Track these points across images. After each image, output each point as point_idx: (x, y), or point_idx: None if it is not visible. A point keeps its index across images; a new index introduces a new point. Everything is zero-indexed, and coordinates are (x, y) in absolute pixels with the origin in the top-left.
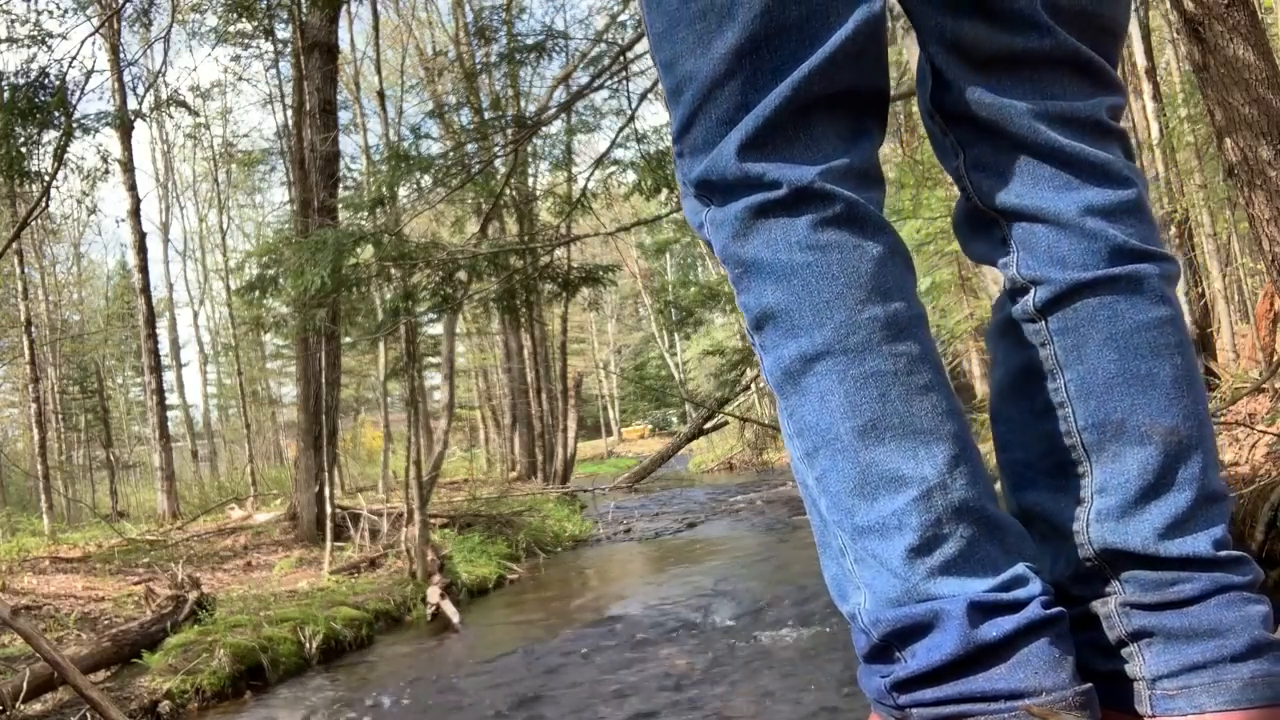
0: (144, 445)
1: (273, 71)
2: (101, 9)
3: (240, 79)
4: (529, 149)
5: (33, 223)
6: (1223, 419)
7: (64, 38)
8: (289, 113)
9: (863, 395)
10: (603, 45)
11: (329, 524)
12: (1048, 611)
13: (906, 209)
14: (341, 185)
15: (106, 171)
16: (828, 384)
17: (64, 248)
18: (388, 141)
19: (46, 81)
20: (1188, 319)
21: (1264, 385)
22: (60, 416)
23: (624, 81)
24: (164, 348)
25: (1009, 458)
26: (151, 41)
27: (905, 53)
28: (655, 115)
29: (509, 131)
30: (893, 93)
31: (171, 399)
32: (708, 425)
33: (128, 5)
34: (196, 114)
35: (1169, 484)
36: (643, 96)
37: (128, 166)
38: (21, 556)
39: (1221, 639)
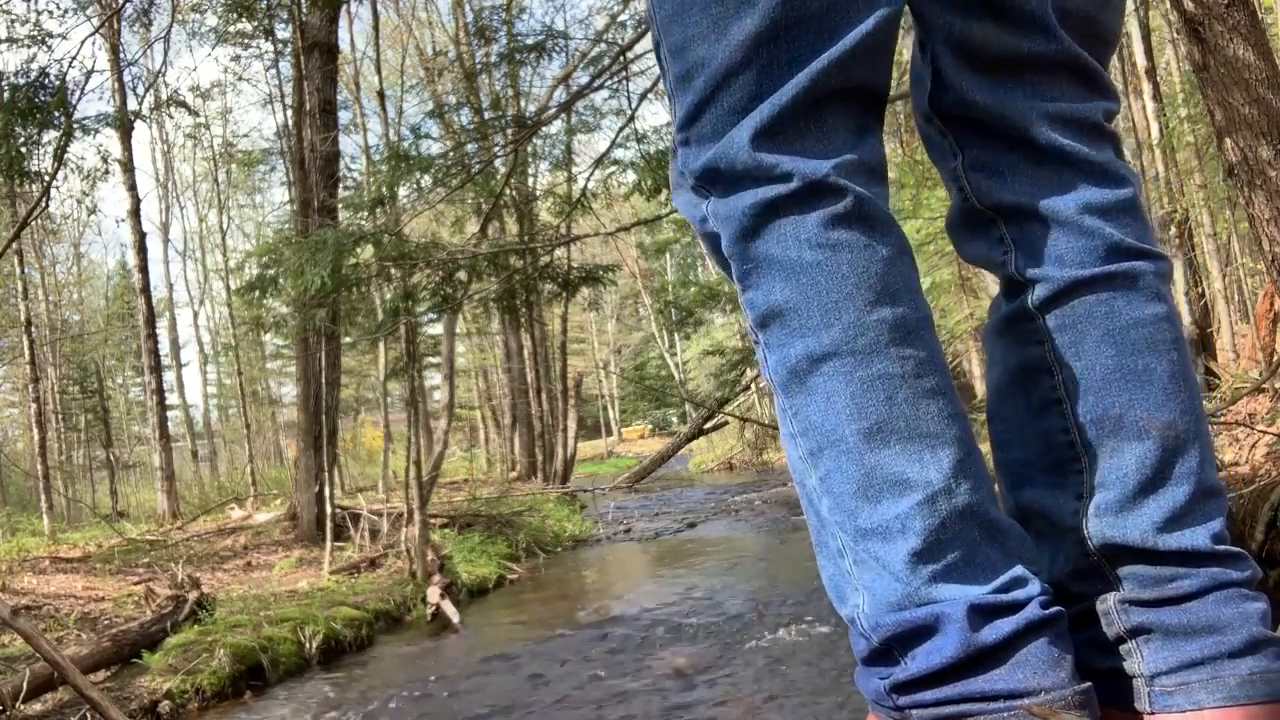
0: (144, 445)
1: (273, 71)
2: (101, 9)
3: (240, 79)
4: (529, 149)
5: (33, 223)
6: (1223, 419)
7: (64, 38)
8: (289, 113)
9: (869, 397)
10: (603, 45)
11: (329, 524)
12: (1046, 612)
13: (906, 209)
14: (341, 185)
15: (106, 171)
16: (834, 385)
17: (64, 248)
18: (388, 141)
19: (46, 81)
20: (1187, 319)
21: (1264, 385)
22: (60, 416)
23: (624, 81)
24: (164, 348)
25: (1007, 456)
26: (151, 41)
27: (906, 53)
28: (655, 115)
29: (509, 131)
30: (893, 92)
31: (171, 399)
32: (708, 425)
33: (128, 5)
34: (196, 114)
35: (1167, 478)
36: (643, 96)
37: (128, 166)
38: (21, 556)
39: (1220, 635)
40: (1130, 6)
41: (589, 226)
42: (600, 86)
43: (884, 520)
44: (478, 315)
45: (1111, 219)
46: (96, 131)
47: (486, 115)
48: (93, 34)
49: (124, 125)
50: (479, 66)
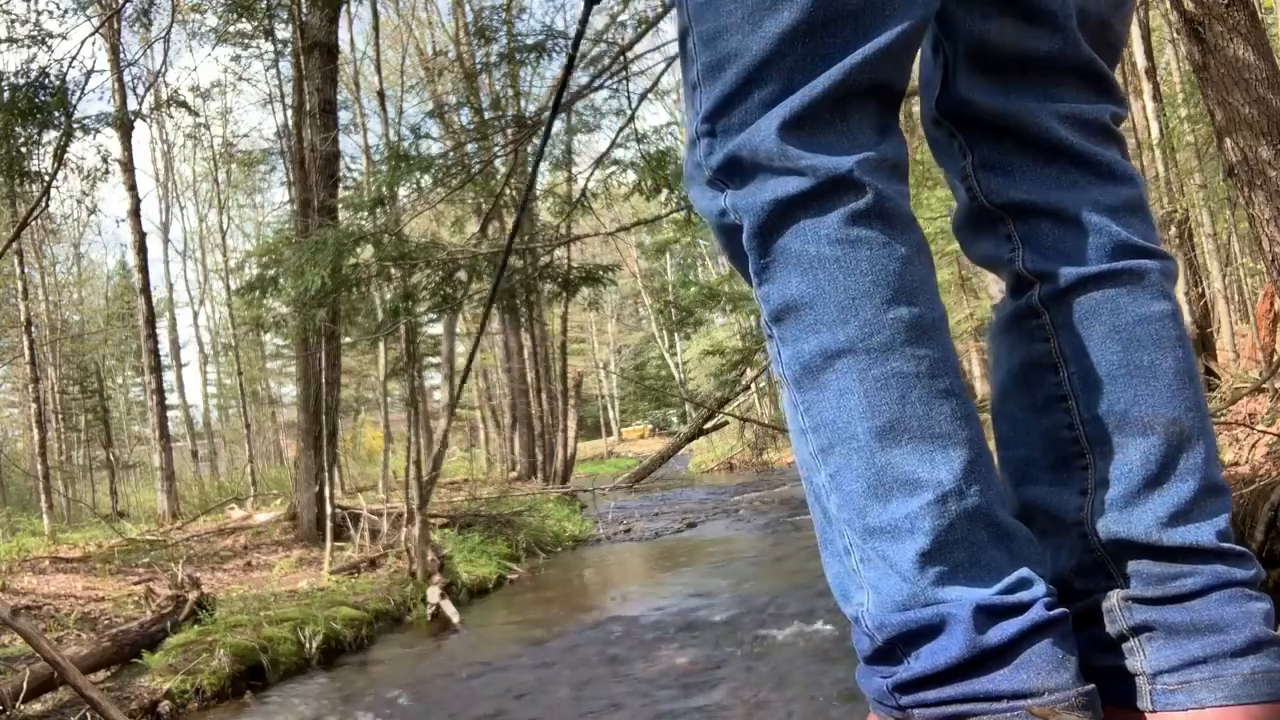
0: (144, 445)
1: (273, 71)
2: (101, 9)
3: (240, 79)
4: (529, 149)
5: (33, 223)
6: (1223, 419)
7: (64, 38)
8: (289, 113)
9: (883, 396)
10: (603, 45)
11: (329, 524)
12: (1051, 613)
13: None
14: (341, 185)
15: (106, 171)
16: (848, 382)
17: (64, 248)
18: (388, 141)
19: (46, 81)
20: (1187, 319)
21: (1264, 385)
22: (60, 416)
23: (624, 81)
24: (164, 348)
25: (1011, 454)
26: (151, 41)
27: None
28: (655, 115)
29: (509, 131)
30: None
31: (171, 399)
32: (708, 425)
33: (128, 5)
34: (196, 114)
35: (1171, 474)
36: (643, 96)
37: (128, 166)
38: (21, 556)
39: (1222, 634)
40: None
41: (589, 226)
42: (600, 86)
43: (893, 519)
44: (478, 315)
45: (1118, 217)
46: (96, 131)
47: (486, 115)
48: (93, 34)
49: (124, 125)
50: (479, 66)
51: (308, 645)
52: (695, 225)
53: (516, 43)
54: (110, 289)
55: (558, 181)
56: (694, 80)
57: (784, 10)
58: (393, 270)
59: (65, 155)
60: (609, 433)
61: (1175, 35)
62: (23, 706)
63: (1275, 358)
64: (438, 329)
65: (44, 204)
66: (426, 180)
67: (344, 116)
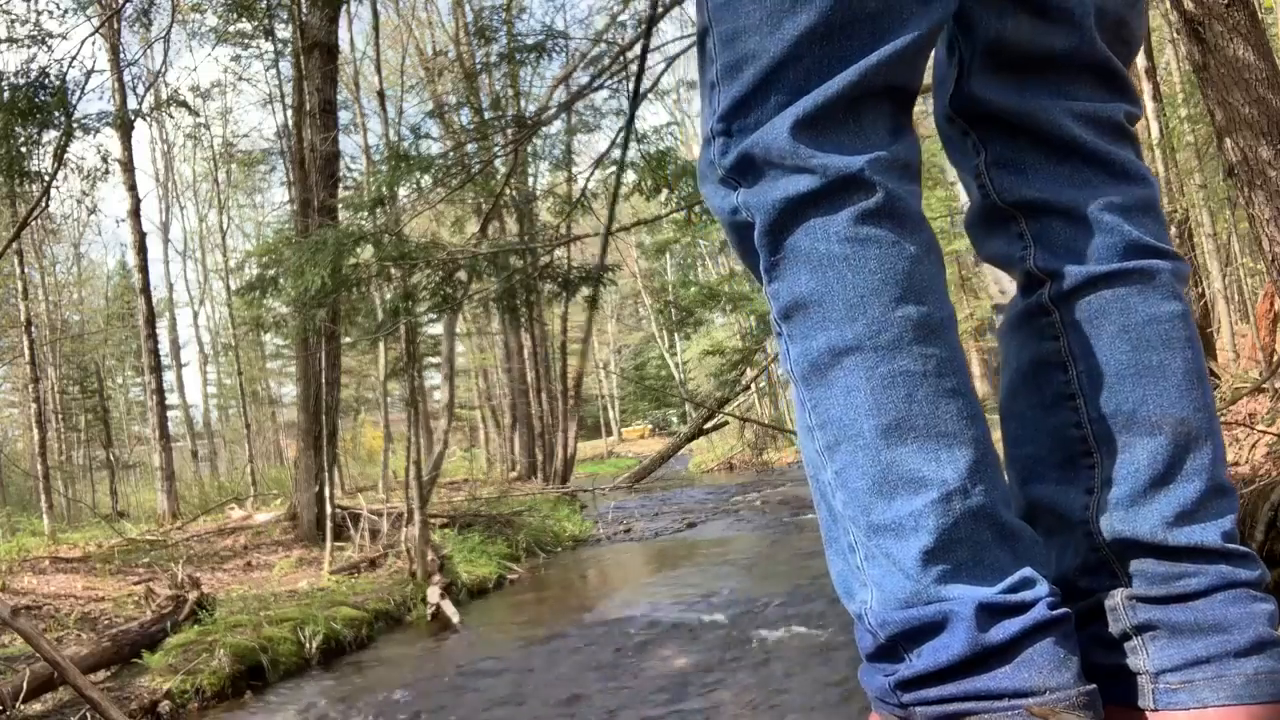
0: (144, 445)
1: (273, 71)
2: (101, 9)
3: (240, 79)
4: (529, 149)
5: (33, 223)
6: (1223, 419)
7: (64, 38)
8: (289, 113)
9: (889, 394)
10: (603, 45)
11: (329, 524)
12: (1053, 613)
13: None
14: (341, 185)
15: (106, 171)
16: (854, 379)
17: (64, 248)
18: (388, 141)
19: (46, 81)
20: None
21: (1264, 385)
22: (60, 416)
23: (624, 81)
24: (164, 348)
25: (1019, 453)
26: (151, 41)
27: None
28: (655, 115)
29: (509, 131)
30: None
31: (171, 399)
32: (708, 425)
33: (128, 5)
34: (196, 114)
35: (1178, 474)
36: (643, 96)
37: (128, 166)
38: (21, 556)
39: (1226, 635)
40: None
41: (589, 226)
42: (600, 86)
43: (898, 517)
44: (478, 315)
45: (1131, 217)
46: (96, 131)
47: (486, 115)
48: (93, 34)
49: (124, 125)
50: (479, 66)
51: (308, 645)
52: (695, 225)
53: (516, 43)
54: (110, 289)
55: (558, 181)
56: (712, 80)
57: (802, 13)
58: (393, 270)
59: (65, 155)
60: (609, 433)
61: (1175, 35)
62: (23, 706)
63: (1275, 358)
64: (438, 329)
65: (44, 204)
66: (426, 180)
67: (344, 116)
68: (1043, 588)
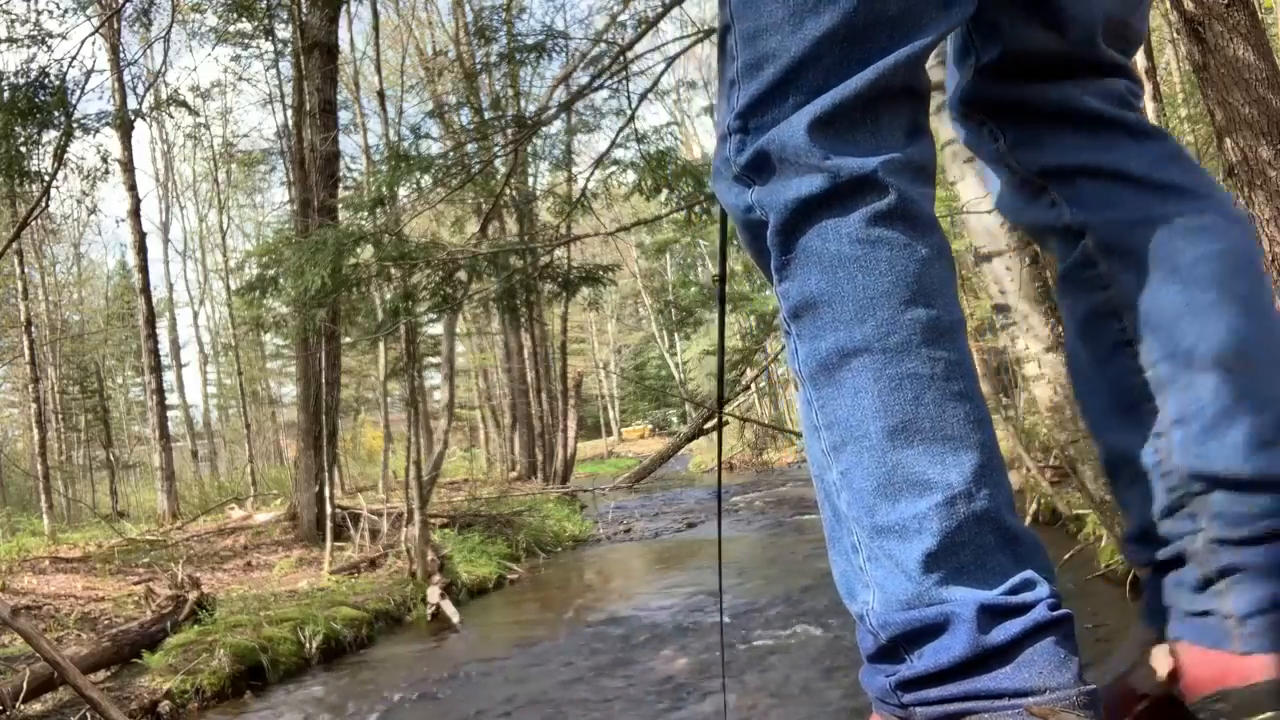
0: (144, 445)
1: (273, 71)
2: (101, 9)
3: (240, 79)
4: (529, 149)
5: (33, 223)
6: None
7: (64, 38)
8: (289, 113)
9: (897, 396)
10: (603, 45)
11: (329, 524)
12: (1054, 613)
13: None
14: (341, 185)
15: (106, 171)
16: (863, 381)
17: (64, 248)
18: (388, 141)
19: (46, 81)
20: None
21: None
22: (60, 416)
23: (624, 81)
24: (164, 348)
25: (1088, 407)
26: (151, 41)
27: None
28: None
29: (509, 131)
30: None
31: (171, 399)
32: (708, 425)
33: (128, 5)
34: (196, 114)
35: (1247, 406)
36: (643, 96)
37: (128, 166)
38: (21, 556)
39: None
40: None
41: (589, 226)
42: (600, 86)
43: (902, 519)
44: (478, 315)
45: (1157, 167)
46: (96, 131)
47: (486, 115)
48: (93, 34)
49: (124, 125)
50: (479, 66)
51: (308, 645)
52: (695, 225)
53: (516, 43)
54: (110, 289)
55: (558, 181)
56: (732, 77)
57: (825, 14)
58: (393, 270)
59: (65, 155)
60: (609, 433)
61: (1175, 35)
62: (23, 706)
63: None
64: (438, 329)
65: (44, 204)
66: (426, 180)
67: (344, 116)
68: (1043, 589)
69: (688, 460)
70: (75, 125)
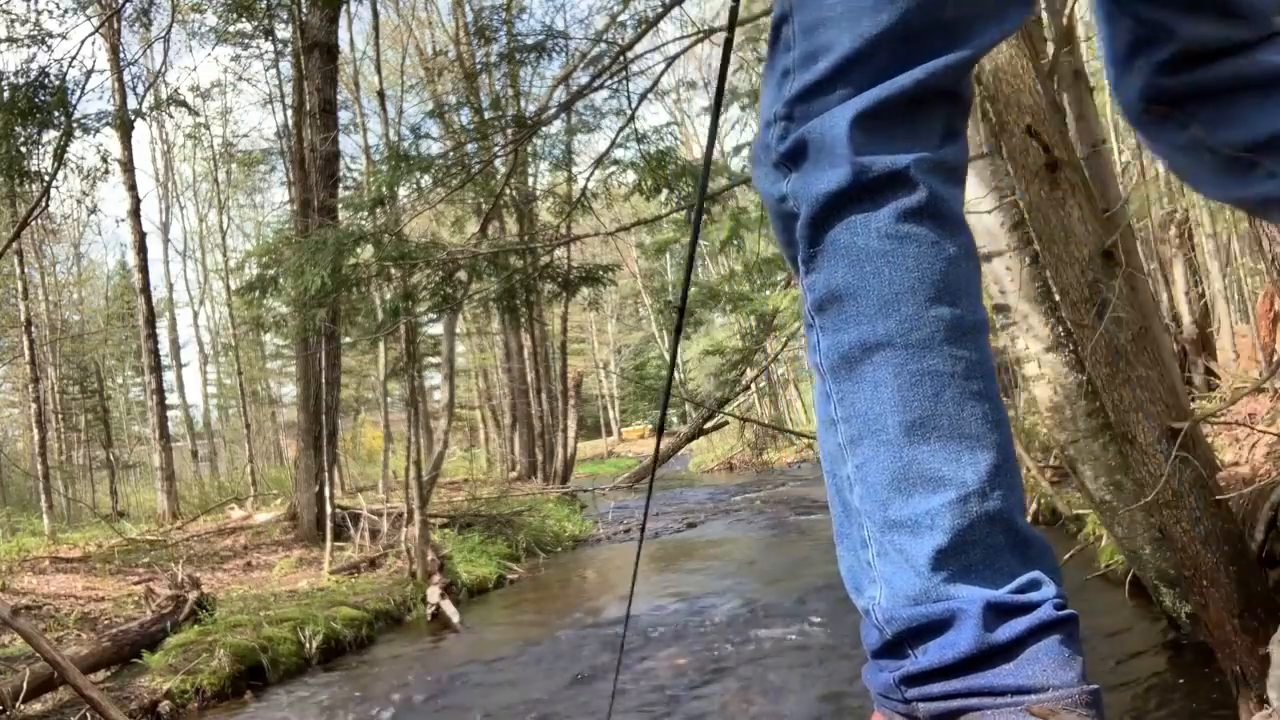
0: (144, 445)
1: (273, 71)
2: (101, 9)
3: (240, 79)
4: (529, 149)
5: (33, 223)
6: (1222, 419)
7: (64, 37)
8: (289, 113)
9: (916, 391)
10: (603, 45)
11: (329, 524)
12: (1060, 613)
13: None
14: (341, 185)
15: (106, 171)
16: (883, 375)
17: (64, 248)
18: (388, 141)
19: (46, 81)
20: (1187, 319)
21: (1264, 385)
22: (60, 416)
23: (624, 81)
24: (164, 348)
25: None
26: (151, 41)
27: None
28: (655, 115)
29: (509, 131)
30: None
31: (171, 399)
32: (708, 425)
33: (128, 5)
34: (196, 114)
35: None
36: (643, 96)
37: (128, 166)
38: (21, 556)
39: None
40: None
41: (589, 226)
42: (600, 86)
43: (914, 514)
44: (478, 315)
45: None
46: (96, 130)
47: (486, 115)
48: (93, 34)
49: (124, 125)
50: (479, 66)
51: (308, 645)
52: None
53: (516, 43)
54: (110, 289)
55: (558, 181)
56: (787, 66)
57: (883, 13)
58: (393, 270)
59: (65, 155)
60: (609, 433)
61: None
62: (23, 706)
63: (1275, 358)
64: (438, 329)
65: (44, 204)
66: (426, 180)
67: (344, 116)
68: (1049, 589)
69: (688, 460)
70: (75, 125)
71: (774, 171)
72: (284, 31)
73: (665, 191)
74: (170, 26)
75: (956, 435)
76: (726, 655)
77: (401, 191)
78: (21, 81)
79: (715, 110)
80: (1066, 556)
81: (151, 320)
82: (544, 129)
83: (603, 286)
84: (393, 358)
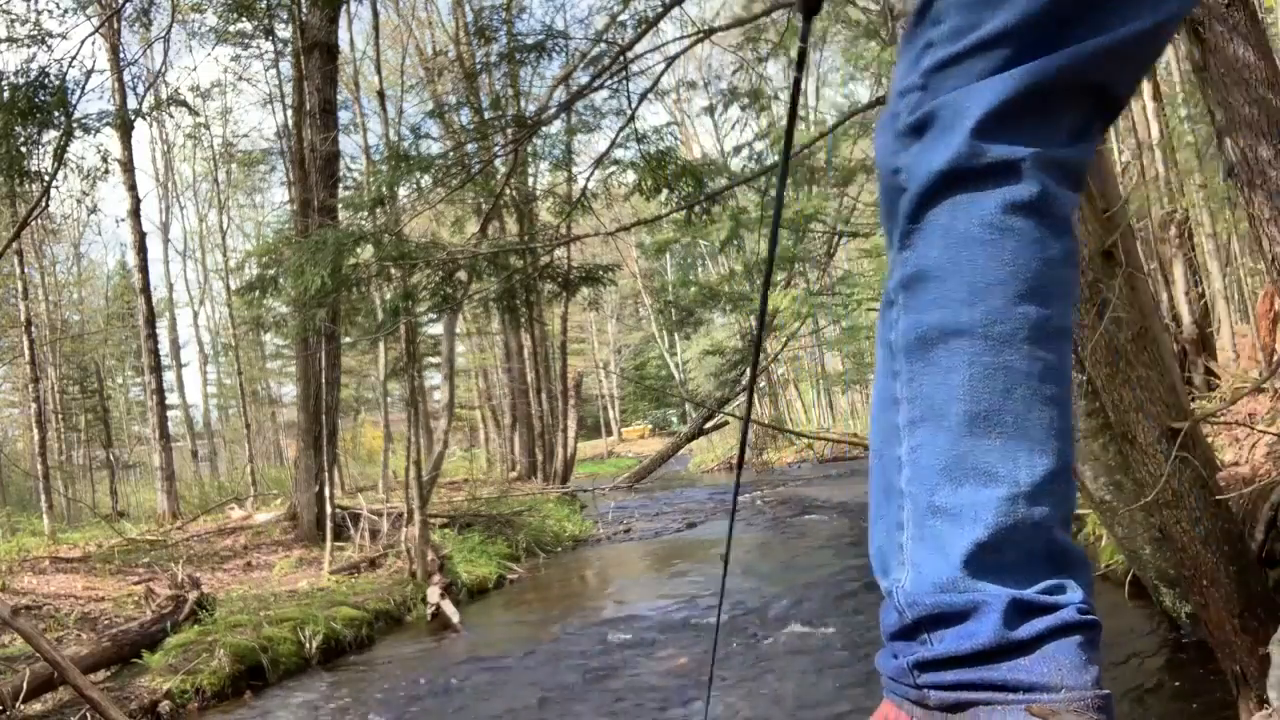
0: (144, 445)
1: (273, 71)
2: (101, 9)
3: (240, 79)
4: (529, 149)
5: (33, 223)
6: (1222, 419)
7: (64, 37)
8: (289, 113)
9: (988, 384)
10: (603, 45)
11: (329, 524)
12: (1084, 617)
13: None
14: (341, 185)
15: (106, 171)
16: (957, 361)
17: (64, 248)
18: (388, 141)
19: (46, 81)
20: (1187, 319)
21: (1264, 385)
22: (60, 416)
23: (624, 81)
24: (164, 348)
25: None
26: (151, 41)
27: None
28: (655, 115)
29: (509, 131)
30: None
31: (171, 399)
32: (708, 425)
33: (128, 5)
34: (196, 114)
35: None
36: (643, 96)
37: (128, 166)
38: (21, 556)
39: None
40: None
41: (589, 226)
42: (600, 86)
43: (960, 504)
44: (478, 315)
45: None
46: (97, 130)
47: (486, 115)
48: (93, 34)
49: (124, 125)
50: (479, 66)
51: (308, 645)
52: (695, 225)
53: (516, 43)
54: (110, 289)
55: (558, 181)
56: (930, 39)
57: None
58: (393, 270)
59: (65, 155)
60: (609, 433)
61: (1175, 35)
62: (23, 706)
63: (1275, 358)
64: (438, 329)
65: (44, 204)
66: (426, 180)
67: (344, 116)
68: (1076, 594)
69: (688, 460)
70: (75, 125)
71: (895, 141)
72: (284, 31)
73: (665, 191)
74: (170, 26)
75: (1019, 435)
76: (726, 655)
77: (401, 191)
78: (21, 81)
79: (794, 95)
80: None
81: (151, 320)
82: (544, 129)
83: (603, 286)
84: (393, 358)
